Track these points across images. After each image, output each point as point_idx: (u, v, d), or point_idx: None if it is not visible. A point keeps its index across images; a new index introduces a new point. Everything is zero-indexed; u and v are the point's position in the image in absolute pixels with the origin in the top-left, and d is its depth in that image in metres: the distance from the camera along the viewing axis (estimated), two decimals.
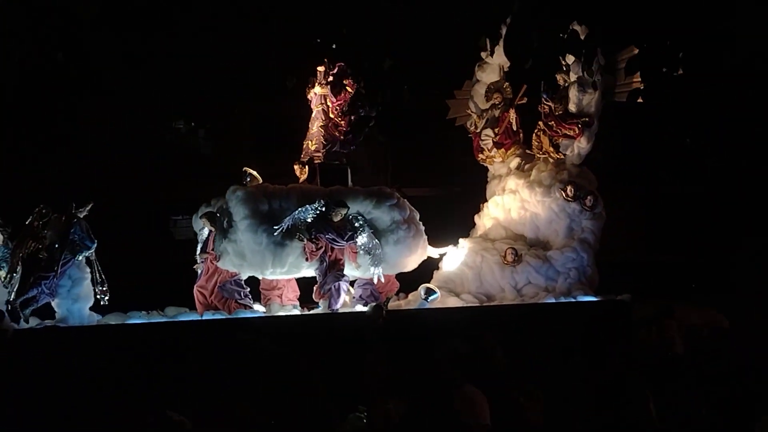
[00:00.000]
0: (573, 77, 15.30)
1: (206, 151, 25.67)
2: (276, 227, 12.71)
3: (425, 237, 14.10)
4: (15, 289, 11.55)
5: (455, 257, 15.24)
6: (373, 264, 13.37)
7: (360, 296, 13.97)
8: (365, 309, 12.62)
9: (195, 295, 13.48)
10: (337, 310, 13.04)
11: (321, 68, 14.54)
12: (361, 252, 13.32)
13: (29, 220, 11.89)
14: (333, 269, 13.12)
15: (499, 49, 14.54)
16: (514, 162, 16.24)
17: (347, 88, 14.27)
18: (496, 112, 16.30)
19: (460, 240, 15.51)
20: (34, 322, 11.76)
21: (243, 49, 14.86)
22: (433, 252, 14.44)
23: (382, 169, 23.05)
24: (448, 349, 10.86)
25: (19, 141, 16.56)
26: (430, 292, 13.88)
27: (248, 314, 12.85)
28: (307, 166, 14.25)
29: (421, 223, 14.10)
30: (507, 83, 16.21)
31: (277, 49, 14.05)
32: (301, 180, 14.20)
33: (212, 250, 13.29)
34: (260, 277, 13.55)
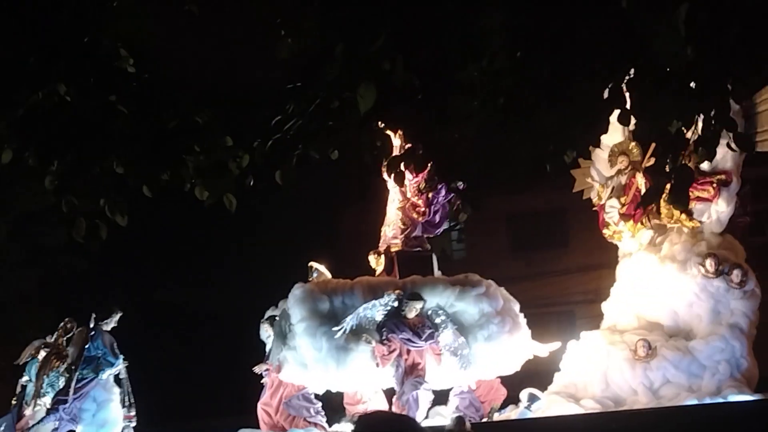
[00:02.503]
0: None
1: (459, 254, 24.36)
2: (337, 328, 10.74)
3: (526, 331, 11.73)
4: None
5: (578, 355, 12.74)
6: (462, 367, 11.12)
7: (457, 407, 11.67)
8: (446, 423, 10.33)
9: (259, 414, 11.64)
10: None
11: (397, 143, 12.63)
12: (446, 353, 11.11)
13: (54, 336, 10.50)
14: (411, 375, 10.95)
15: None
16: (646, 236, 13.64)
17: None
18: (623, 179, 13.87)
19: (582, 333, 13.01)
20: None
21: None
22: (541, 349, 11.97)
23: None
24: None
25: None
26: (533, 398, 11.46)
27: None
28: (383, 256, 12.26)
29: (520, 314, 11.77)
30: (633, 144, 13.77)
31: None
32: (378, 273, 12.21)
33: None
34: (330, 390, 11.56)
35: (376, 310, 10.97)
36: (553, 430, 10.80)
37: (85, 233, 5.72)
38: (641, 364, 12.31)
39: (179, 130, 5.93)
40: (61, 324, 10.62)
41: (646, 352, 12.30)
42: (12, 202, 17.06)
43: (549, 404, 12.02)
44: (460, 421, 10.05)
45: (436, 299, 11.31)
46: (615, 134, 13.98)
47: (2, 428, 10.48)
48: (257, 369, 11.82)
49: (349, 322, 10.83)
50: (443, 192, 12.35)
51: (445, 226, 12.81)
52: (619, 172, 13.87)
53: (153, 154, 5.85)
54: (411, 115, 5.78)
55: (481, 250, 24.11)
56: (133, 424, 10.54)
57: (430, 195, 12.33)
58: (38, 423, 10.08)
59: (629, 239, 13.82)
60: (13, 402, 11.06)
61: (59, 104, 5.55)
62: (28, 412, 10.65)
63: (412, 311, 10.98)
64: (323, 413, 11.72)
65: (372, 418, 4.94)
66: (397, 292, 11.11)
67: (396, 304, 11.01)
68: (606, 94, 5.46)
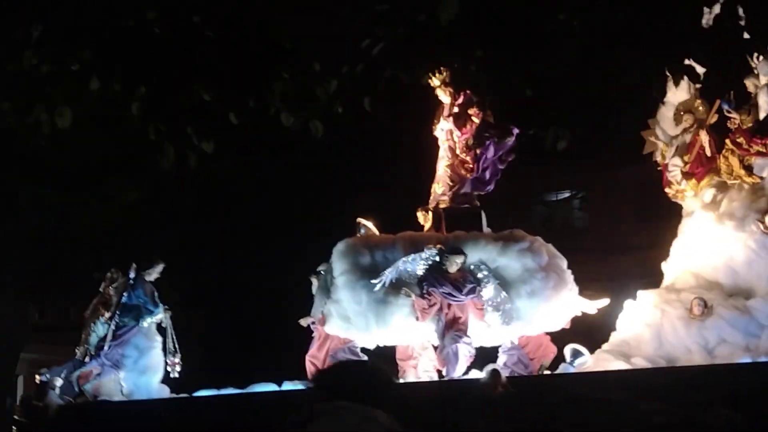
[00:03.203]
0: (764, 80, 12.27)
1: (580, 223, 23.93)
2: (376, 281, 10.82)
3: (573, 287, 11.55)
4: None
5: (633, 313, 12.51)
6: (504, 322, 11.06)
7: (505, 364, 11.61)
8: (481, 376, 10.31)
9: (306, 366, 11.84)
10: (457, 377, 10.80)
11: (447, 100, 12.56)
12: (488, 308, 11.06)
13: (102, 286, 10.91)
14: (451, 329, 10.93)
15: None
16: (708, 194, 13.24)
17: (473, 118, 12.18)
18: (687, 137, 13.50)
19: (639, 292, 12.74)
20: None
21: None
22: (589, 306, 11.77)
23: None
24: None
25: None
26: (576, 353, 11.30)
27: None
28: (431, 212, 12.24)
29: (567, 271, 11.60)
30: (699, 101, 13.38)
31: None
32: (426, 229, 12.21)
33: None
34: (375, 343, 11.67)
35: (416, 263, 11.00)
36: (597, 386, 10.61)
37: (173, 161, 5.76)
38: (696, 322, 12.00)
39: (266, 54, 5.93)
40: (108, 274, 11.04)
41: (702, 311, 11.96)
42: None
43: (598, 362, 11.85)
44: (495, 374, 10.03)
45: (479, 254, 11.26)
46: (681, 91, 13.61)
47: (63, 375, 10.94)
48: (303, 322, 12.01)
49: (389, 275, 10.89)
50: (492, 148, 12.25)
51: (492, 185, 12.58)
52: (684, 130, 13.50)
53: (239, 79, 5.87)
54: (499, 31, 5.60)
55: (604, 219, 23.64)
56: (178, 368, 10.85)
57: (478, 151, 12.25)
58: (84, 368, 10.53)
59: (692, 198, 13.47)
60: (77, 351, 11.51)
61: (145, 28, 5.59)
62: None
63: (453, 265, 10.96)
64: None
65: (329, 370, 4.63)
66: (438, 246, 11.12)
67: (437, 258, 11.02)
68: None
